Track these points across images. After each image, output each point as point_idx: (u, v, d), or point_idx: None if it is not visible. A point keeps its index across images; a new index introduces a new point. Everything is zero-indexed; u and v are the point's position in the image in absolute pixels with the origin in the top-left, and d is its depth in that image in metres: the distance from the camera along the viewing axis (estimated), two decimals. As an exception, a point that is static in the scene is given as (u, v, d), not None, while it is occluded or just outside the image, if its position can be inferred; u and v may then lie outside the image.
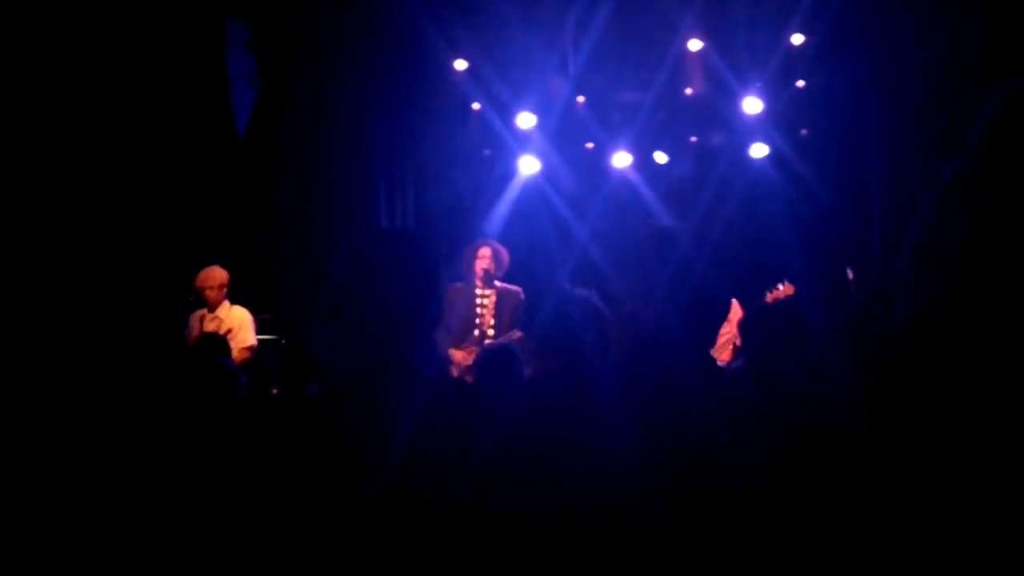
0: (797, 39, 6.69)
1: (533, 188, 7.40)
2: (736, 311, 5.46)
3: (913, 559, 1.04)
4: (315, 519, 1.53)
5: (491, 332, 5.92)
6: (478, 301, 5.99)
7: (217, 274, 5.61)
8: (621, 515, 1.65)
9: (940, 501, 1.02)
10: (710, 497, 1.59)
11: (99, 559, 2.18)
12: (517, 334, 5.74)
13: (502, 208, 7.28)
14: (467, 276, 6.02)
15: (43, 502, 2.29)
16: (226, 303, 5.65)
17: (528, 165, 7.29)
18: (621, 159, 7.40)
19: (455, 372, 5.81)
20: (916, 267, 1.14)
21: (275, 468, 1.62)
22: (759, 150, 7.07)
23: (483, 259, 5.96)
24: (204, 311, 5.65)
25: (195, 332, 5.55)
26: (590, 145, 7.60)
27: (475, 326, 5.93)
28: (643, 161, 7.42)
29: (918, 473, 1.04)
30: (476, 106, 7.34)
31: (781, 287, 5.39)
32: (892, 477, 1.07)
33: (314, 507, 1.55)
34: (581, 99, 7.34)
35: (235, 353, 5.22)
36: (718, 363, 5.12)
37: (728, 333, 5.60)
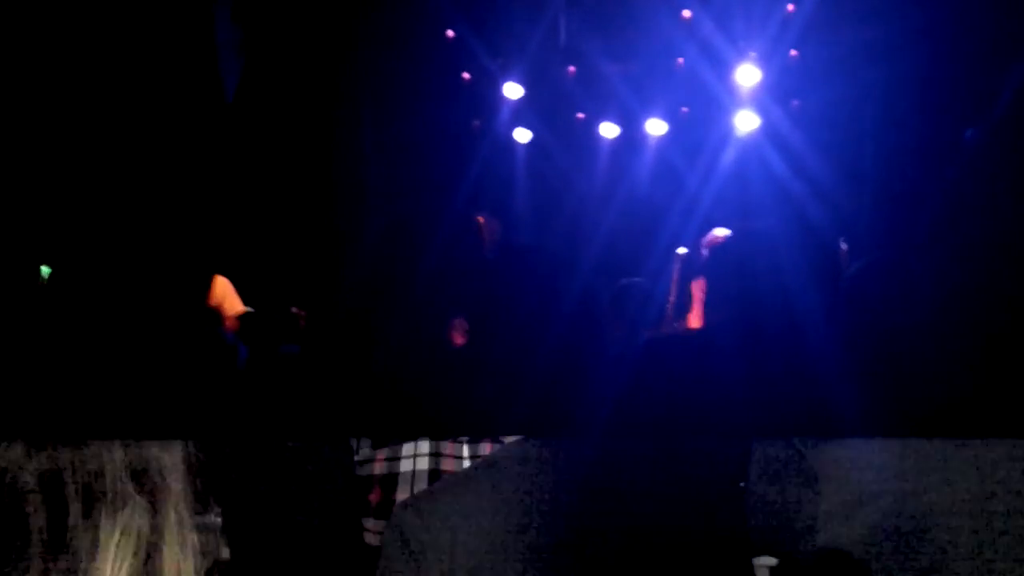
0: (791, 7, 6.62)
1: (527, 159, 7.37)
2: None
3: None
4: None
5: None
6: (470, 274, 5.94)
7: None
8: None
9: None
10: None
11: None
12: None
13: (494, 179, 7.24)
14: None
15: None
16: None
17: (521, 136, 7.25)
18: (609, 130, 7.37)
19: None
20: (939, 229, 1.10)
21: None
22: (749, 121, 7.02)
23: (474, 231, 5.91)
24: None
25: None
26: (581, 116, 7.55)
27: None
28: (633, 132, 7.37)
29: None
30: (466, 76, 7.25)
31: None
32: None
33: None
34: (572, 69, 7.27)
35: (228, 323, 5.12)
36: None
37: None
